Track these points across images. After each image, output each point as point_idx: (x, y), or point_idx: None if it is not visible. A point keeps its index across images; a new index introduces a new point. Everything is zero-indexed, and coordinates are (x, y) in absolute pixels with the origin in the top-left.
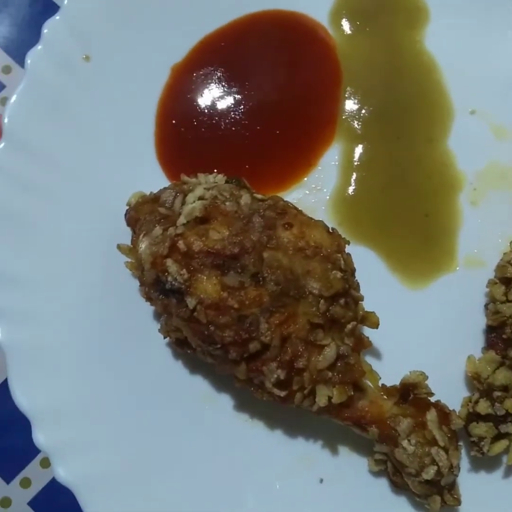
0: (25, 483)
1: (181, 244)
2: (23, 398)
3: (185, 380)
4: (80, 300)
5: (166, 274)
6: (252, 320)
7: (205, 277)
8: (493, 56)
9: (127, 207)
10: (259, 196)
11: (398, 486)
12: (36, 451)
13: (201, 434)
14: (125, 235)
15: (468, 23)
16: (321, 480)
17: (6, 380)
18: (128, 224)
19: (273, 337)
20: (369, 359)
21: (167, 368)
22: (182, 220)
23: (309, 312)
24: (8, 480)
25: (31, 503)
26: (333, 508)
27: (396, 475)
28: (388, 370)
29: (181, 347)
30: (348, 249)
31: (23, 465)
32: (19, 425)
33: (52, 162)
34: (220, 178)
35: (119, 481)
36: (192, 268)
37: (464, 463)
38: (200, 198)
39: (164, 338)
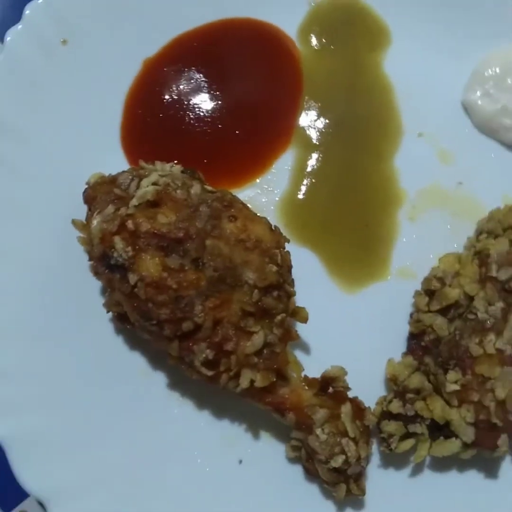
0: None
1: (129, 224)
2: None
3: (124, 354)
4: (33, 267)
5: (113, 250)
6: (188, 301)
7: (148, 257)
8: (445, 84)
9: (86, 186)
10: (209, 188)
11: (310, 473)
12: None
13: (134, 406)
14: (83, 212)
15: (425, 50)
16: (240, 461)
17: None
18: (85, 202)
19: (206, 319)
20: (298, 352)
21: (108, 341)
22: (134, 202)
23: (242, 300)
24: None
25: None
26: (248, 488)
27: (309, 462)
28: (314, 364)
29: (121, 322)
30: (292, 249)
31: None
32: None
33: (20, 136)
34: (177, 168)
35: (51, 442)
36: (137, 247)
37: (375, 459)
38: (154, 183)
39: (107, 312)
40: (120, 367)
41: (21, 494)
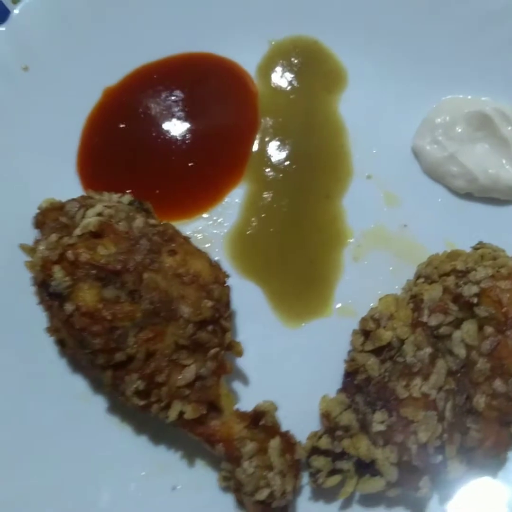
0: None
1: (70, 254)
2: None
3: (65, 377)
4: None
5: (52, 278)
6: (122, 332)
7: (86, 287)
8: (397, 129)
9: (37, 211)
10: (152, 221)
11: (240, 503)
12: None
13: (72, 430)
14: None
15: (380, 95)
16: (174, 488)
17: None
18: (35, 227)
19: (138, 350)
20: (236, 383)
21: (50, 364)
22: (77, 231)
23: (177, 333)
24: None
25: None
26: None
27: (237, 493)
28: (251, 396)
29: (62, 347)
30: (237, 282)
31: None
32: None
33: None
34: (126, 198)
35: None
36: (76, 277)
37: (306, 491)
38: (99, 214)
39: (50, 336)
40: (60, 388)
41: None
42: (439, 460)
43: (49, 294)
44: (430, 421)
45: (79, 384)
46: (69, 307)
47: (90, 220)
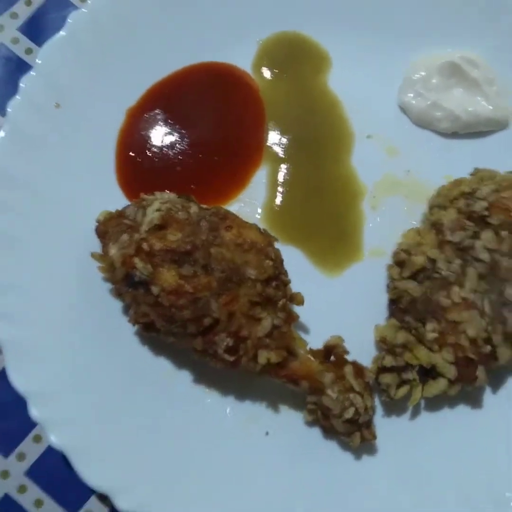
0: (21, 456)
1: (145, 245)
2: (18, 381)
3: (151, 361)
4: (62, 301)
5: (135, 270)
6: (204, 301)
7: (165, 270)
8: (382, 91)
9: (97, 223)
10: (204, 206)
11: (328, 430)
12: (29, 429)
13: (165, 403)
14: (94, 247)
15: (361, 66)
16: (267, 433)
17: (3, 370)
18: (98, 236)
19: (221, 313)
20: (298, 330)
21: (136, 352)
22: (144, 228)
23: (248, 293)
24: (6, 455)
25: (27, 473)
26: (277, 455)
27: (325, 420)
28: (313, 339)
29: (147, 331)
30: (277, 247)
31: (18, 442)
32: (14, 409)
33: (32, 190)
34: (173, 195)
35: (102, 441)
36: (155, 264)
37: (379, 410)
38: (157, 210)
39: (134, 325)
40: (148, 371)
41: (84, 495)
42: (489, 349)
43: (133, 285)
44: (474, 319)
45: (164, 364)
46: (155, 290)
47: (153, 215)
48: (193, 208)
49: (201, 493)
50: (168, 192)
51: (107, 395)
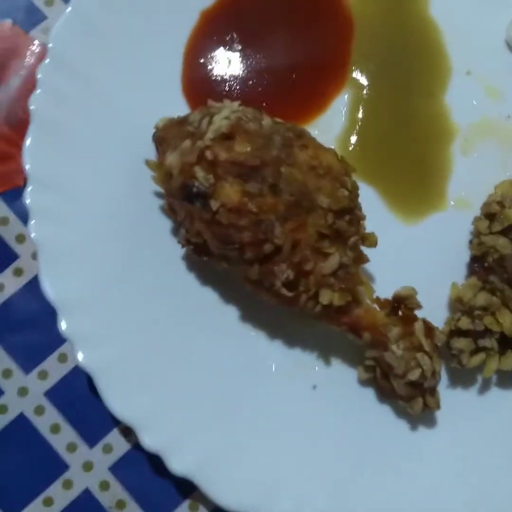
0: (43, 375)
1: (208, 154)
2: (51, 288)
3: (196, 289)
4: (107, 209)
5: (194, 179)
6: (268, 224)
7: (228, 184)
8: (489, 24)
9: (155, 129)
10: (278, 120)
11: (384, 392)
12: (56, 346)
13: (209, 338)
14: (150, 156)
15: None
16: (314, 386)
17: (34, 278)
18: (156, 144)
19: (285, 240)
20: (367, 277)
21: (181, 277)
22: (209, 135)
23: (318, 223)
24: (27, 371)
25: (46, 394)
26: (322, 412)
27: (384, 380)
28: (381, 289)
29: (198, 253)
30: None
31: (41, 359)
32: (42, 322)
33: (89, 82)
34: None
35: (133, 367)
36: (217, 176)
37: (443, 378)
38: (226, 118)
39: (182, 247)
40: (193, 300)
41: (105, 428)
42: None
43: (189, 198)
44: None
45: (211, 295)
46: (215, 204)
47: (221, 122)
48: (266, 121)
49: (234, 441)
50: (239, 102)
51: (145, 319)
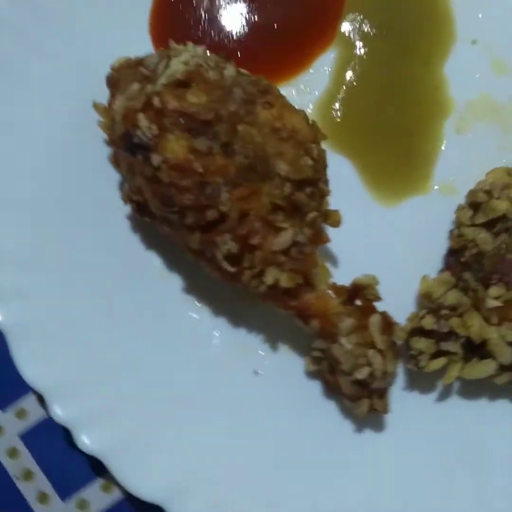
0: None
1: (156, 101)
2: None
3: (141, 254)
4: (50, 150)
5: (136, 128)
6: (214, 188)
7: (174, 137)
8: None
9: (110, 70)
10: (244, 71)
11: (331, 388)
12: None
13: (148, 306)
14: (104, 98)
15: None
16: (256, 372)
17: None
18: (108, 85)
19: (232, 208)
20: (325, 259)
21: (124, 239)
22: (162, 80)
23: (273, 193)
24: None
25: None
26: (261, 400)
27: (330, 374)
28: (341, 274)
29: (140, 213)
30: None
31: None
32: None
33: (41, 12)
34: (210, 54)
35: (52, 331)
36: (163, 127)
37: (399, 380)
38: (184, 63)
39: (125, 204)
40: (135, 266)
41: (19, 391)
42: None
43: (131, 149)
44: None
45: (155, 260)
46: (156, 159)
47: (177, 68)
48: (229, 71)
49: (155, 424)
50: (205, 48)
51: (74, 276)
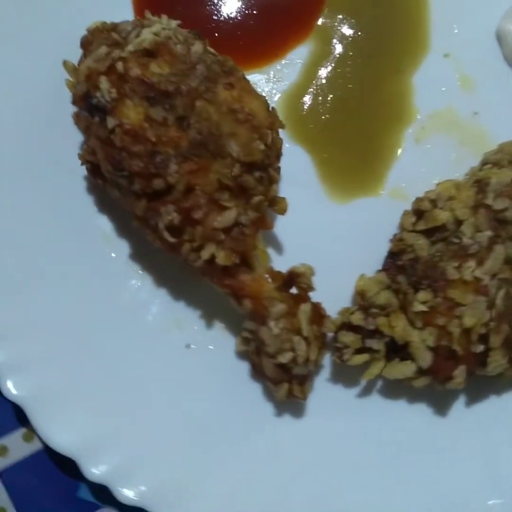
0: None
1: (119, 66)
2: None
3: (91, 215)
4: (19, 104)
5: (96, 90)
6: (164, 158)
7: (132, 103)
8: (483, 9)
9: (86, 32)
10: (212, 50)
11: (256, 369)
12: None
13: (90, 268)
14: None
15: None
16: (188, 346)
17: None
18: (82, 46)
19: (179, 181)
20: (269, 246)
21: (77, 198)
22: (129, 47)
23: (221, 172)
24: None
25: None
26: (189, 373)
27: (256, 355)
28: (283, 262)
29: (93, 175)
30: (286, 145)
31: None
32: None
33: None
34: (183, 30)
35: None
36: (122, 91)
37: (325, 372)
38: (154, 33)
39: (82, 164)
40: (83, 226)
41: None
42: (481, 350)
43: (90, 109)
44: (478, 306)
45: (104, 224)
46: (111, 122)
47: (145, 36)
48: (196, 47)
49: (81, 379)
50: (179, 22)
51: (29, 228)
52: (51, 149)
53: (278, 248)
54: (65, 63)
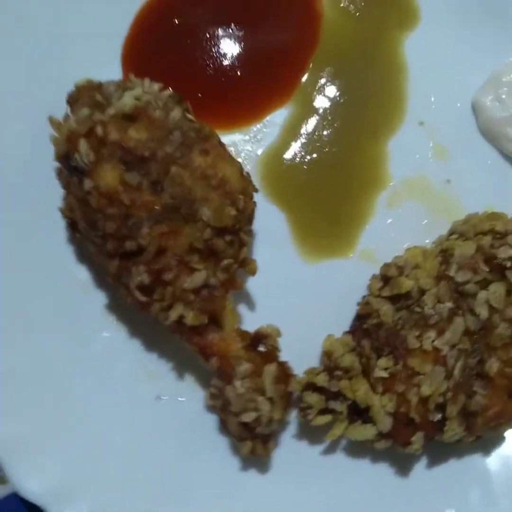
0: None
1: (99, 130)
2: None
3: (70, 265)
4: (5, 155)
5: (76, 151)
6: (137, 221)
7: (109, 167)
8: (460, 80)
9: (74, 88)
10: (190, 117)
11: (224, 424)
12: None
13: (67, 318)
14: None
15: (449, 41)
16: (158, 397)
17: None
18: (68, 102)
19: (150, 243)
20: (241, 305)
21: (57, 251)
22: (110, 111)
23: (193, 235)
24: None
25: None
26: (157, 424)
27: (222, 412)
28: (253, 321)
29: (72, 229)
30: (262, 204)
31: None
32: None
33: (24, 19)
34: (167, 92)
35: None
36: (101, 155)
37: (292, 428)
38: (136, 98)
39: (63, 218)
40: (61, 276)
41: None
42: (438, 418)
43: (70, 168)
44: (437, 376)
45: (82, 274)
46: (88, 184)
47: (126, 101)
48: (175, 113)
49: (58, 426)
50: (161, 85)
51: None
52: (34, 200)
53: (249, 305)
54: (50, 119)
